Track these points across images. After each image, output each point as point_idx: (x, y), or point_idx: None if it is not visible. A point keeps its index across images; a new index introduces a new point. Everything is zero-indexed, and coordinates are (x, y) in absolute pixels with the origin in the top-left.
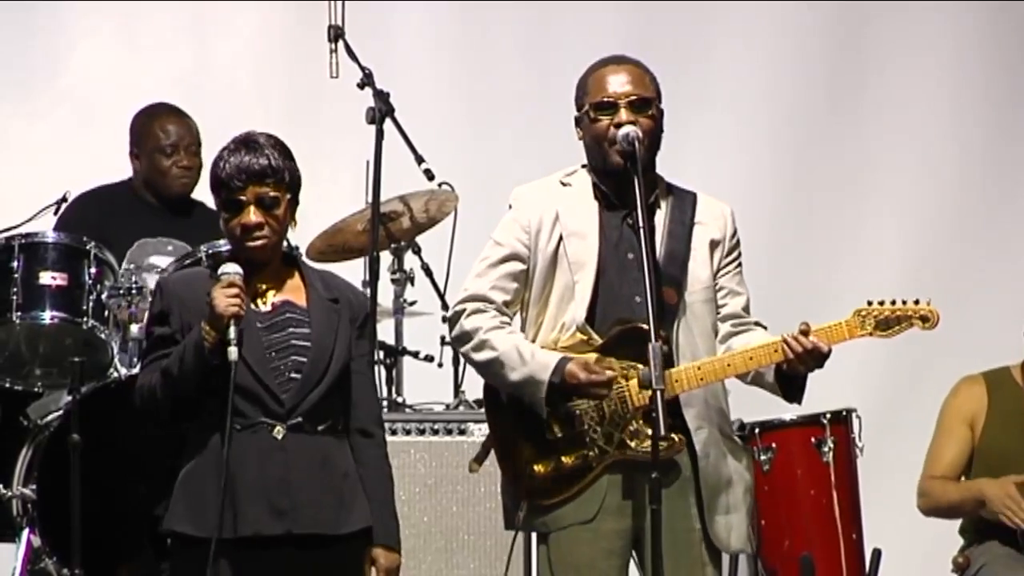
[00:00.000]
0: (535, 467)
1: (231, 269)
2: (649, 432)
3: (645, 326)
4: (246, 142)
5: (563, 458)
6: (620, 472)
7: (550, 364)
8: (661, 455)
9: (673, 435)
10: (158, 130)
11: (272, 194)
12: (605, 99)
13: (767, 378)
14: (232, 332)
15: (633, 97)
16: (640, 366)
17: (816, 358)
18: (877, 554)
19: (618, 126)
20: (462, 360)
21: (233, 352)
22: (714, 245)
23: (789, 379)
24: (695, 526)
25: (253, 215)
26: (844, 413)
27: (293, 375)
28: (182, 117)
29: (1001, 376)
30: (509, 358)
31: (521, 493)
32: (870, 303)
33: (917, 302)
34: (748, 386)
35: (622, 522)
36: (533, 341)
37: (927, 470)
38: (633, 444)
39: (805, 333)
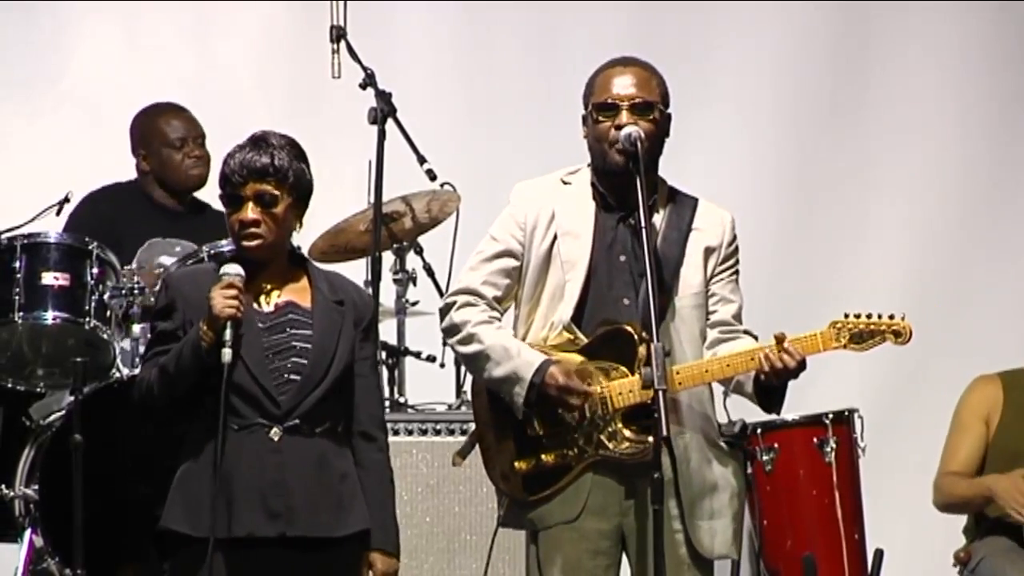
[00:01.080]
0: (517, 464)
1: (232, 270)
2: (627, 433)
3: (628, 327)
4: (256, 140)
5: (544, 456)
6: (604, 472)
7: (535, 363)
8: (637, 458)
9: (650, 438)
10: (163, 125)
11: (271, 192)
12: (608, 100)
13: (746, 387)
14: (228, 334)
15: (636, 100)
16: (621, 367)
17: (790, 369)
18: (879, 554)
19: (619, 128)
20: None
21: (227, 354)
22: (709, 252)
23: (767, 389)
24: (679, 527)
25: (250, 212)
26: (846, 413)
27: (292, 377)
28: (183, 111)
29: (1017, 377)
30: (495, 352)
31: (504, 489)
32: (846, 315)
33: (892, 316)
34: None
35: (607, 522)
36: (524, 338)
37: (943, 466)
38: (611, 445)
39: (780, 341)
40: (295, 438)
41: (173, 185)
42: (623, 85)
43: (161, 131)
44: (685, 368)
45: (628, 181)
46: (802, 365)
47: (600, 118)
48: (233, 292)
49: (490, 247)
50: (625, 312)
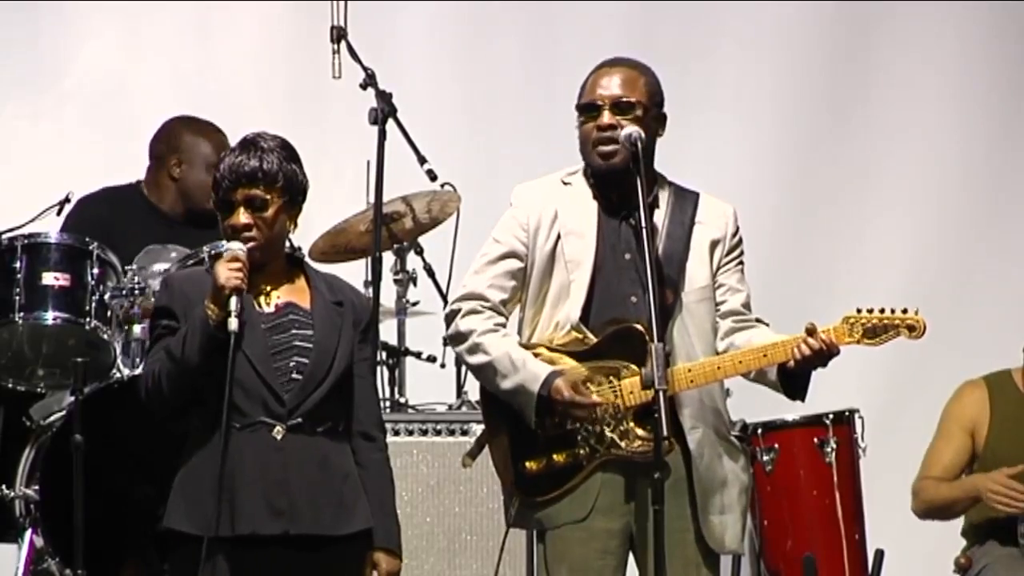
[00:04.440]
0: (527, 463)
1: (235, 245)
2: (639, 432)
3: (639, 326)
4: (246, 144)
5: (554, 455)
6: (614, 471)
7: (540, 376)
8: (649, 457)
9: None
10: (213, 145)
11: (262, 196)
12: (591, 101)
13: (769, 376)
14: (234, 303)
15: (618, 100)
16: (632, 366)
17: (827, 355)
18: (880, 555)
19: (600, 128)
20: None
21: (233, 323)
22: (714, 245)
23: (794, 376)
24: (689, 526)
25: (242, 216)
26: (847, 413)
27: (295, 376)
28: (224, 137)
29: (1002, 380)
30: (501, 365)
31: (513, 489)
32: (859, 310)
33: (905, 311)
34: (752, 386)
35: (616, 522)
36: (530, 339)
37: (922, 472)
38: (623, 444)
39: (812, 332)
40: (298, 437)
41: (193, 203)
42: (607, 85)
43: (207, 150)
44: (698, 366)
45: (623, 180)
46: (837, 351)
47: (583, 119)
48: (238, 265)
49: (494, 249)
50: (633, 310)
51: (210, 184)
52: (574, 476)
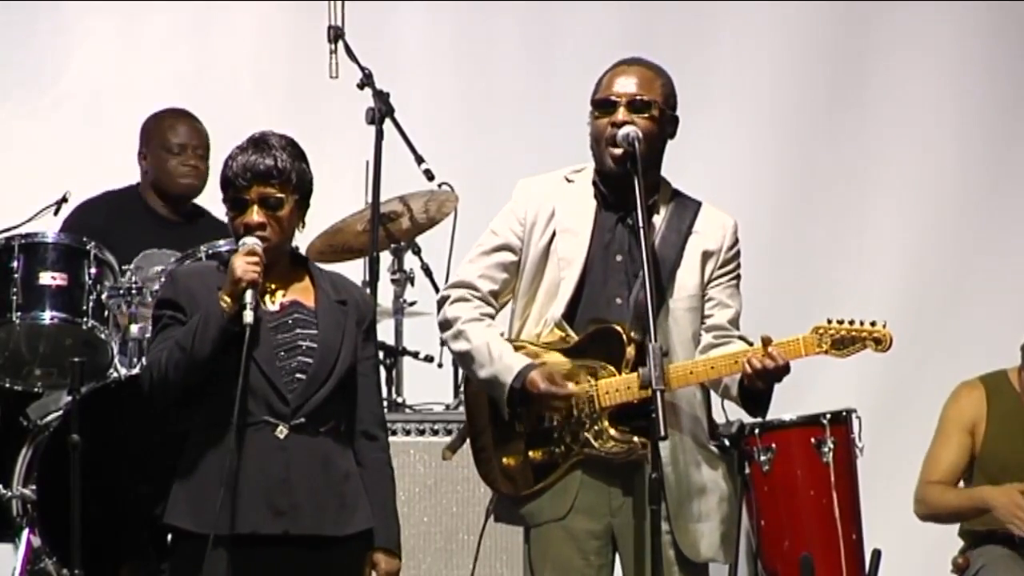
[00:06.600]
0: (505, 460)
1: (251, 239)
2: (613, 433)
3: (618, 327)
4: (257, 142)
5: (531, 452)
6: (594, 472)
7: (514, 368)
8: (621, 457)
9: (636, 438)
10: (166, 129)
11: (276, 195)
12: (606, 97)
13: (732, 391)
14: (249, 296)
15: (634, 98)
16: (610, 366)
17: (772, 372)
18: (877, 555)
19: (615, 125)
20: None
21: (248, 316)
22: (707, 256)
23: (752, 392)
24: (665, 529)
25: (256, 215)
26: (844, 413)
27: (299, 375)
28: (193, 120)
29: (999, 381)
30: (479, 354)
31: (492, 485)
32: (829, 321)
33: (873, 324)
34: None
35: (596, 523)
36: (520, 332)
37: (924, 476)
38: (597, 444)
39: (766, 344)
40: (300, 436)
41: (163, 190)
42: (624, 84)
43: (162, 133)
44: (671, 369)
45: (626, 180)
46: (785, 369)
47: (598, 115)
48: (255, 259)
49: (489, 240)
50: (616, 311)
51: (171, 165)
52: (551, 474)
